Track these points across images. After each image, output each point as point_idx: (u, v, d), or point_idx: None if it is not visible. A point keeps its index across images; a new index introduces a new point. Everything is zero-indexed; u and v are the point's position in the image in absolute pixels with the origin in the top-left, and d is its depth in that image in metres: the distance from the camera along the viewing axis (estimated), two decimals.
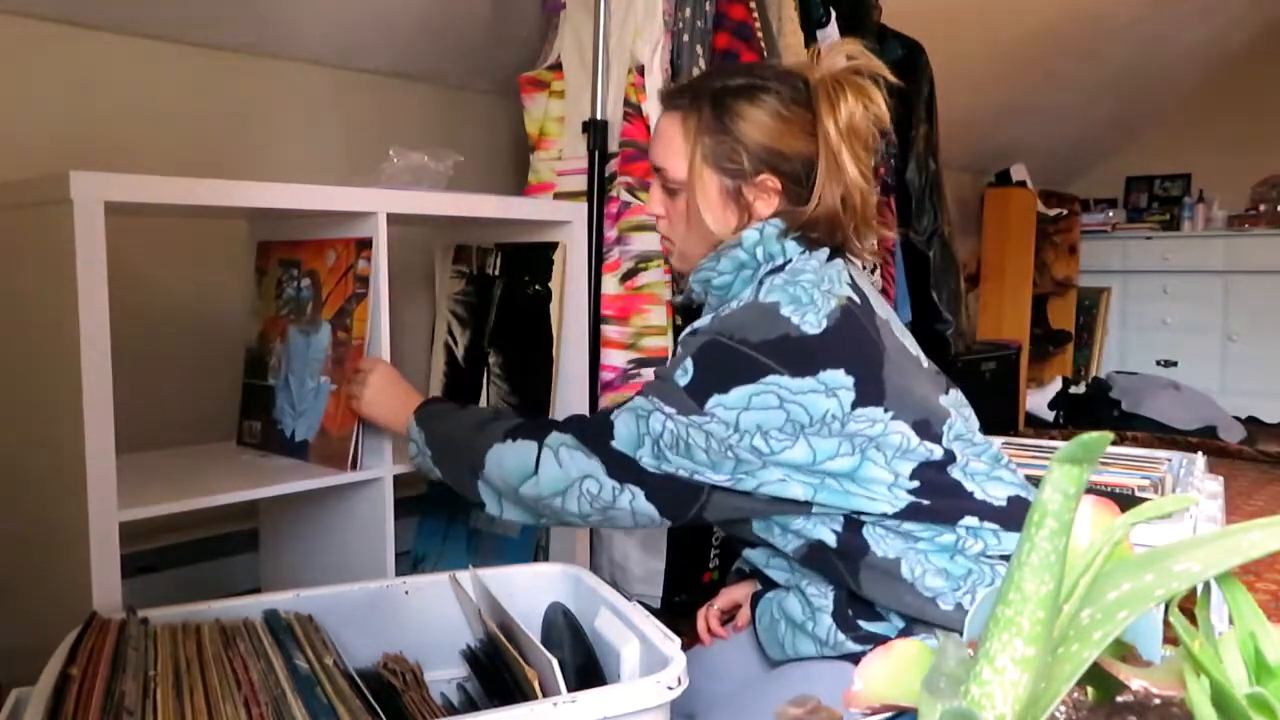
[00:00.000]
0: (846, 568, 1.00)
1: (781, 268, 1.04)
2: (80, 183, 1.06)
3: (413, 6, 1.99)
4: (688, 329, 1.04)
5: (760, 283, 1.03)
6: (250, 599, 1.05)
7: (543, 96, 2.01)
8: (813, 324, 0.97)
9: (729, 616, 1.25)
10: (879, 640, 0.97)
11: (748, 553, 1.13)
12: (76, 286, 1.06)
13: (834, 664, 1.01)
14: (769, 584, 1.13)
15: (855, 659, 0.96)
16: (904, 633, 0.99)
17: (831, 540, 1.00)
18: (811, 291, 0.99)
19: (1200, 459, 1.91)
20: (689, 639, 1.10)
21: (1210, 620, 0.39)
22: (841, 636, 1.00)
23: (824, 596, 1.03)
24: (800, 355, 0.96)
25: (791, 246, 1.05)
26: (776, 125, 1.03)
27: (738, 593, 1.25)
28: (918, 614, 0.97)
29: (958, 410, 1.06)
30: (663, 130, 1.09)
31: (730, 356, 0.97)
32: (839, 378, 0.96)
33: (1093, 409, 4.26)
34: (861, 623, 1.00)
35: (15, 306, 1.23)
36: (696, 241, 1.09)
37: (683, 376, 0.98)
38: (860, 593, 1.00)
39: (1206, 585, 0.39)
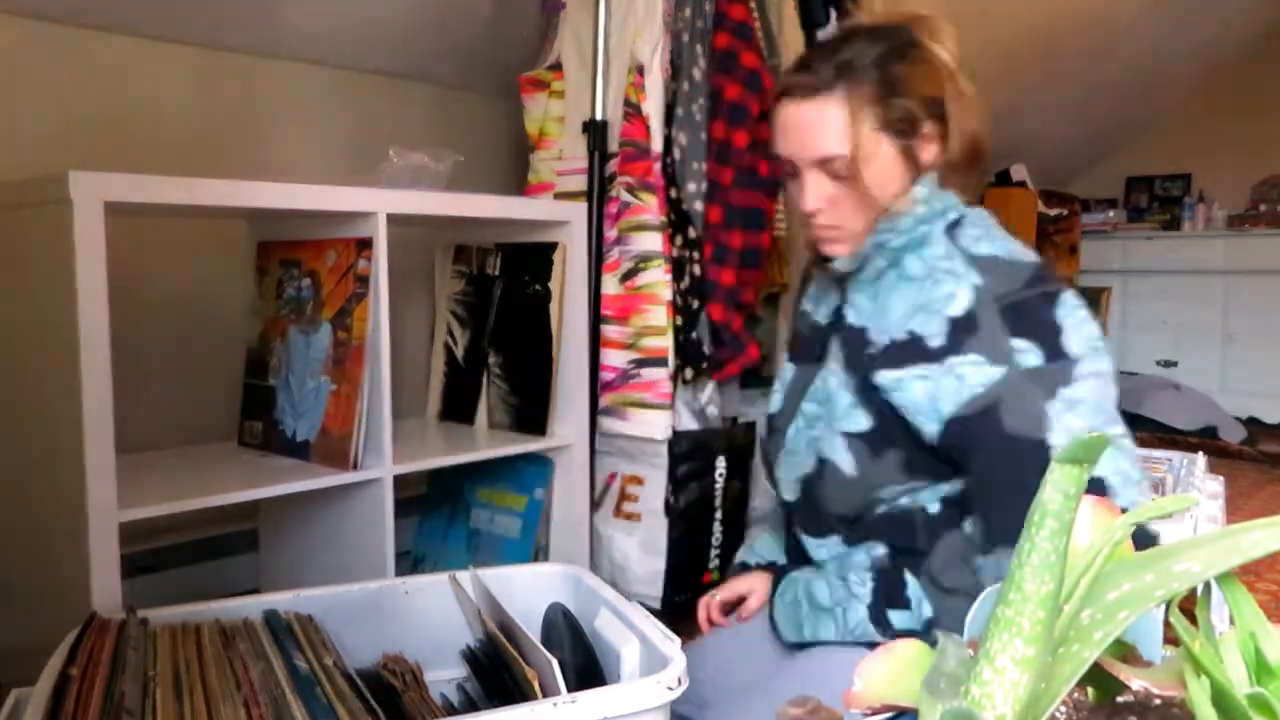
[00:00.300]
0: (931, 537, 1.01)
1: (959, 222, 1.05)
2: (80, 183, 1.06)
3: (413, 6, 1.99)
4: (939, 324, 0.99)
5: (951, 235, 1.04)
6: (250, 599, 1.05)
7: (543, 96, 2.01)
8: (1034, 255, 1.01)
9: (730, 608, 1.25)
10: (905, 635, 0.97)
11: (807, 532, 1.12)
12: (76, 286, 1.06)
13: (838, 662, 1.01)
14: (791, 568, 1.14)
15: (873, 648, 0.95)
16: (927, 630, 0.99)
17: (936, 507, 1.02)
18: (1010, 238, 1.03)
19: (1201, 459, 1.91)
20: (689, 639, 1.10)
21: (1210, 620, 0.39)
22: (871, 629, 1.01)
23: (863, 584, 1.03)
24: (1055, 274, 1.00)
25: (950, 196, 1.05)
26: (919, 72, 1.02)
27: (741, 585, 1.25)
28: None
29: None
30: (813, 120, 1.03)
31: (1035, 304, 0.96)
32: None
33: None
34: (891, 613, 1.01)
35: (15, 306, 1.23)
36: (871, 216, 1.05)
37: (1029, 356, 0.94)
38: (932, 568, 1.00)
39: (1206, 585, 0.39)
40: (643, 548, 1.92)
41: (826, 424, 1.07)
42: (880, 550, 1.06)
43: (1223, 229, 4.61)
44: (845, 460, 1.04)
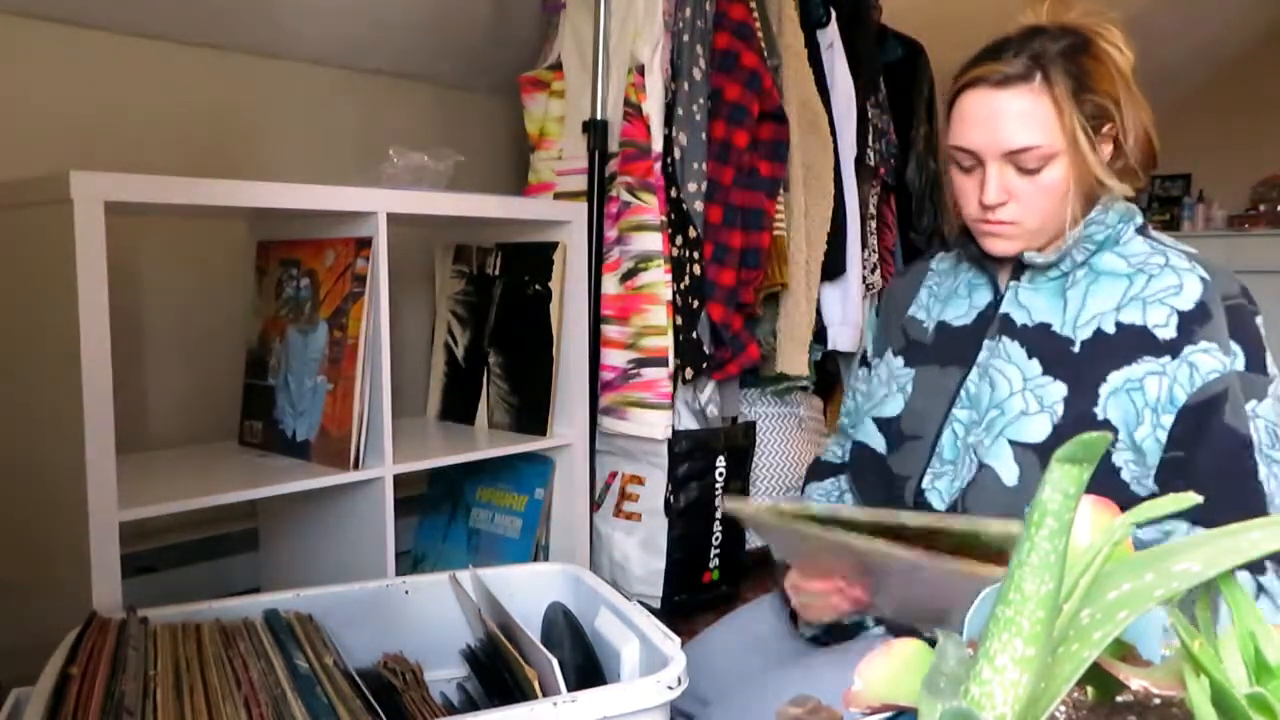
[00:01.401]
0: None
1: (1144, 224, 1.05)
2: (80, 183, 1.06)
3: (413, 6, 1.99)
4: (1140, 314, 0.98)
5: (1143, 233, 1.04)
6: (250, 599, 1.05)
7: (543, 96, 2.01)
8: None
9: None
10: None
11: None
12: (76, 286, 1.06)
13: (839, 661, 1.01)
14: None
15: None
16: None
17: None
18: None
19: None
20: (689, 637, 1.10)
21: (1210, 620, 0.39)
22: None
23: None
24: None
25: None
26: (1102, 71, 1.01)
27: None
28: None
29: None
30: (1011, 110, 1.00)
31: (1246, 313, 0.98)
32: None
33: None
34: None
35: (15, 306, 1.23)
36: (1057, 212, 1.03)
37: (1236, 360, 0.95)
38: None
39: (1206, 585, 0.39)
40: (643, 547, 1.92)
41: (987, 430, 1.03)
42: None
43: (1223, 229, 4.61)
44: (1008, 470, 0.99)
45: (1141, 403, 0.96)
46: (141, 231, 1.67)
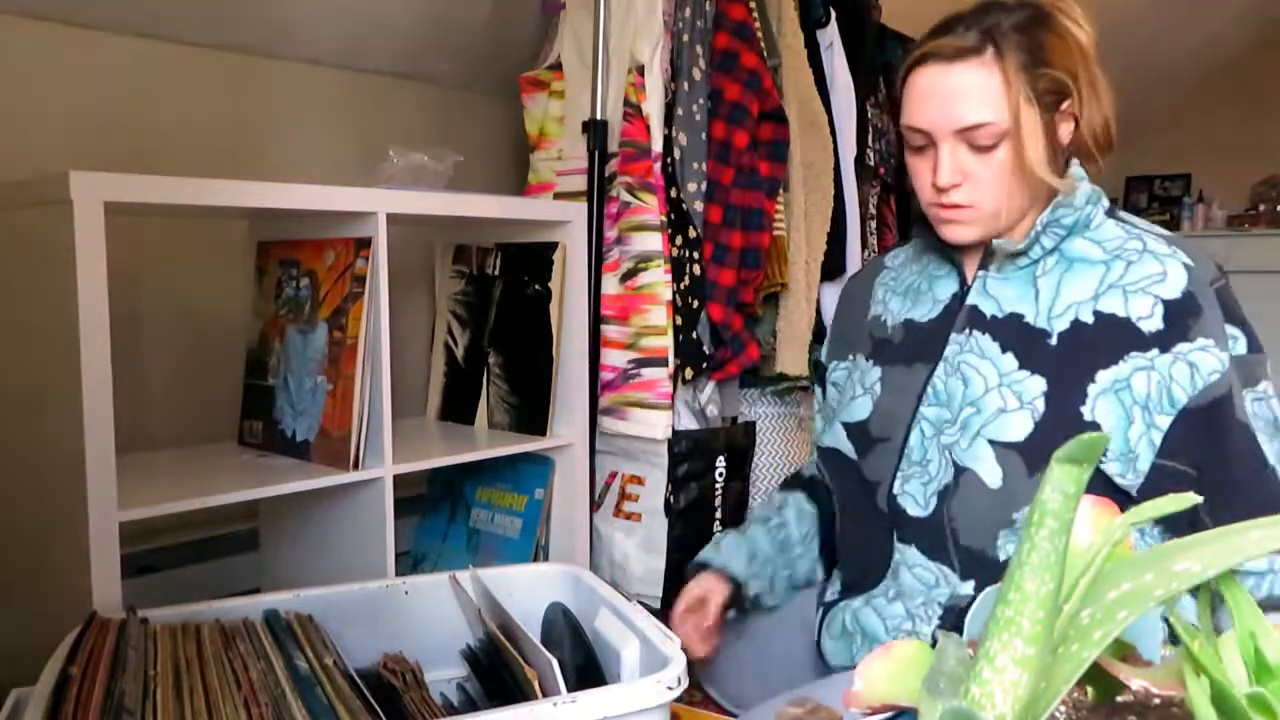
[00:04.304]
0: None
1: (1113, 206, 1.02)
2: (80, 183, 1.06)
3: (413, 6, 1.99)
4: (1149, 304, 0.93)
5: (1113, 216, 1.01)
6: (250, 599, 1.05)
7: (543, 96, 2.01)
8: None
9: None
10: None
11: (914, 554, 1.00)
12: (76, 286, 1.06)
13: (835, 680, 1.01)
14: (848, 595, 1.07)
15: None
16: None
17: None
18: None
19: None
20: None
21: (1210, 620, 0.39)
22: None
23: (928, 621, 0.98)
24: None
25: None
26: (1061, 45, 0.96)
27: (696, 590, 1.16)
28: None
29: None
30: (959, 86, 0.95)
31: (1230, 293, 0.95)
32: None
33: None
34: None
35: (15, 307, 1.23)
36: (1015, 192, 0.97)
37: (1236, 344, 0.92)
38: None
39: (1206, 585, 0.39)
40: (643, 547, 1.92)
41: (963, 429, 0.97)
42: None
43: (1222, 229, 4.61)
44: (990, 472, 0.94)
45: (1130, 401, 0.92)
46: (141, 231, 1.67)
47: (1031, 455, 0.93)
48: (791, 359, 2.09)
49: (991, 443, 0.95)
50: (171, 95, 1.77)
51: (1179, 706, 0.39)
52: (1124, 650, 0.42)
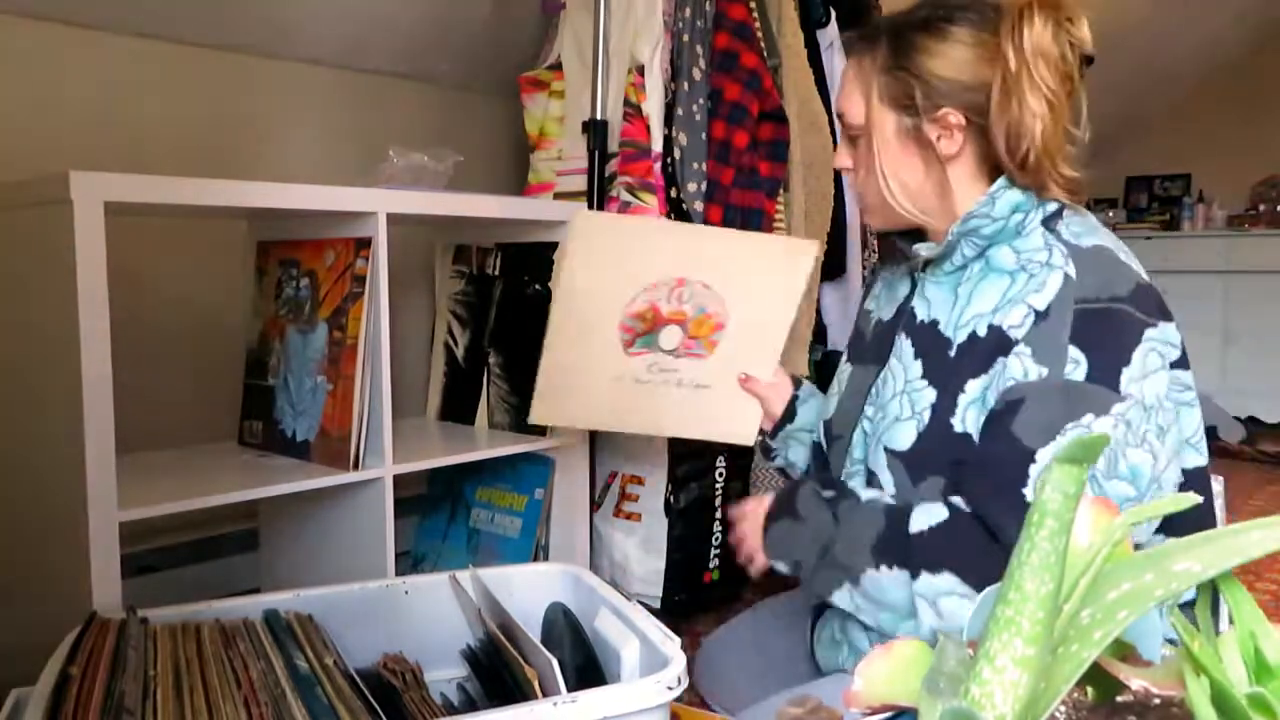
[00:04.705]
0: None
1: (1058, 213, 0.94)
2: (80, 183, 1.06)
3: (413, 6, 1.99)
4: (996, 316, 0.90)
5: (1049, 227, 0.92)
6: (250, 599, 1.05)
7: (543, 96, 2.01)
8: (1142, 269, 0.90)
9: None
10: None
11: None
12: (76, 286, 1.06)
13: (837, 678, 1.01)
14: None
15: None
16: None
17: None
18: (1125, 246, 0.92)
19: None
20: (689, 639, 1.10)
21: (1210, 620, 0.39)
22: None
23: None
24: (1157, 300, 0.88)
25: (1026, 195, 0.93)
26: (958, 55, 0.92)
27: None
28: None
29: None
30: (843, 76, 1.01)
31: (1117, 323, 0.85)
32: (1173, 329, 0.89)
33: None
34: None
35: (15, 307, 1.23)
36: (878, 190, 0.97)
37: (1075, 369, 0.84)
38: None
39: (1206, 585, 0.39)
40: (643, 547, 1.92)
41: (874, 434, 0.98)
42: None
43: (1222, 229, 4.61)
44: (887, 479, 0.95)
45: (980, 411, 0.90)
46: (141, 231, 1.67)
47: (912, 465, 0.92)
48: (792, 359, 2.09)
49: (886, 450, 0.95)
50: (172, 95, 1.77)
51: (1179, 706, 0.39)
52: (1124, 650, 0.42)
